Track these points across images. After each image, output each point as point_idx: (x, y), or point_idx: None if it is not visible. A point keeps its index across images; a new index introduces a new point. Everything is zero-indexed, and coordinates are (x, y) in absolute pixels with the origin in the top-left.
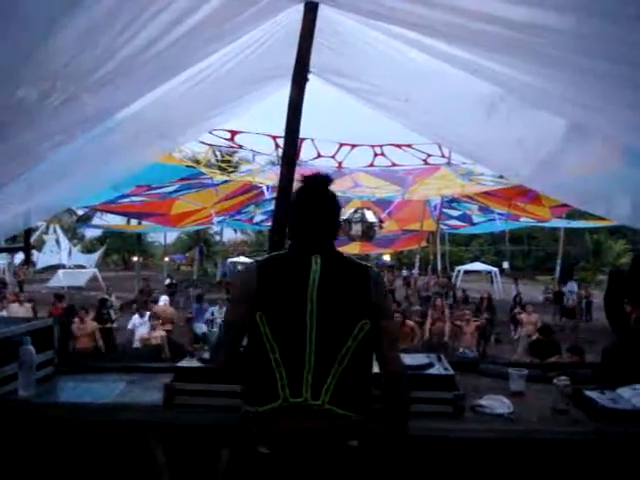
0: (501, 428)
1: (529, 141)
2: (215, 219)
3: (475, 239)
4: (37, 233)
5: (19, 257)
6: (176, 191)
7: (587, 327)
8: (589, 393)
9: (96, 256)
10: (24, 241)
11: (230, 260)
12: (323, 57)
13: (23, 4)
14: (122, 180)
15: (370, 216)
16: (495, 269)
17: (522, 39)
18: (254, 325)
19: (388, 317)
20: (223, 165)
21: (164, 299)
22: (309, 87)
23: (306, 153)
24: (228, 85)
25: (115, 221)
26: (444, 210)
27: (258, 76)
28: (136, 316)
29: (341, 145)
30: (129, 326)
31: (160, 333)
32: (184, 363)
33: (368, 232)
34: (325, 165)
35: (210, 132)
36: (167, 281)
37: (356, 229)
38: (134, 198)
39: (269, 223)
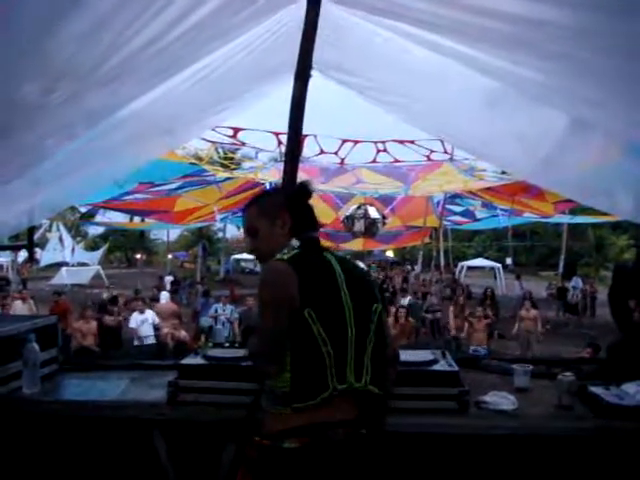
0: (506, 424)
1: (531, 136)
2: (218, 216)
3: (478, 235)
4: (40, 231)
5: (23, 255)
6: (179, 188)
7: (591, 323)
8: (594, 389)
9: (99, 254)
10: (27, 239)
11: (233, 257)
12: (325, 53)
13: (26, 2)
14: (125, 177)
15: (373, 212)
16: (498, 265)
17: (524, 34)
18: (303, 323)
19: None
20: (226, 162)
21: (165, 295)
22: (311, 83)
23: (309, 149)
24: (231, 82)
25: (118, 218)
26: (447, 206)
27: (261, 73)
28: (135, 313)
29: (344, 141)
30: (131, 324)
31: (169, 331)
32: (188, 360)
33: (371, 228)
34: (328, 161)
35: (213, 129)
36: (170, 278)
37: (359, 225)
38: (137, 195)
39: None
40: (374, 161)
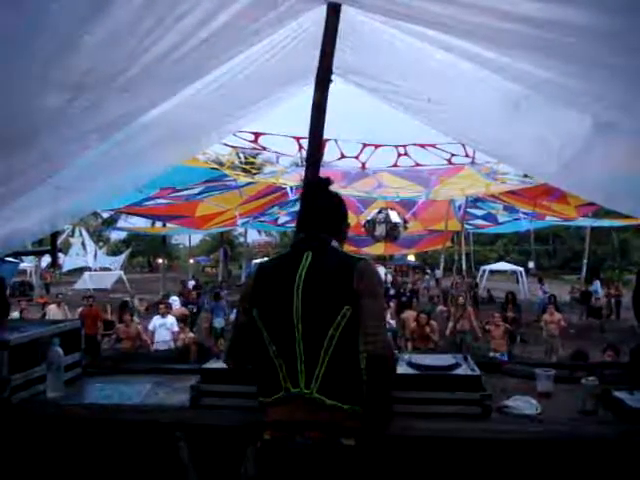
0: (529, 429)
1: (554, 139)
2: (239, 221)
3: (500, 238)
4: (63, 236)
5: (46, 260)
6: (200, 193)
7: (615, 327)
8: (618, 394)
9: (121, 258)
10: (51, 244)
11: (254, 261)
12: (346, 58)
13: (50, 11)
14: (147, 183)
15: (394, 216)
16: (521, 269)
17: (548, 37)
18: (253, 322)
19: (370, 297)
20: (247, 167)
21: (175, 300)
22: (332, 88)
23: (329, 154)
24: (252, 87)
25: (140, 223)
26: (468, 210)
27: (281, 78)
28: (157, 317)
29: (365, 145)
30: (149, 327)
31: (188, 335)
32: (211, 365)
33: (392, 232)
34: (349, 166)
35: (234, 134)
36: (192, 283)
37: (380, 229)
38: (159, 200)
39: (293, 224)
40: (395, 165)
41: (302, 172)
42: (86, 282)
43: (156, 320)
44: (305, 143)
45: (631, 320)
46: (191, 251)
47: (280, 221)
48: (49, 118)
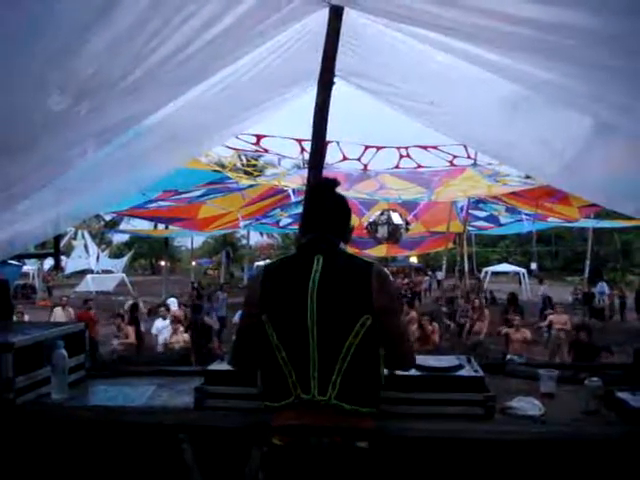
0: (532, 430)
1: (555, 140)
2: (241, 223)
3: (502, 240)
4: (65, 239)
5: (48, 262)
6: (202, 195)
7: (619, 328)
8: (621, 394)
9: (124, 261)
10: (54, 247)
11: (257, 264)
12: (348, 60)
13: (54, 14)
14: (149, 185)
15: (396, 218)
16: (523, 270)
17: (549, 39)
18: (262, 327)
19: (392, 313)
20: (249, 169)
21: (173, 302)
22: (334, 90)
23: (331, 156)
24: (255, 90)
25: (142, 226)
26: (471, 211)
27: (284, 80)
28: (159, 319)
29: (366, 147)
30: (152, 330)
31: (182, 337)
32: (214, 366)
33: (394, 234)
34: (351, 168)
35: (236, 136)
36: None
37: (382, 231)
38: (161, 203)
39: (295, 226)
40: (397, 167)
41: (304, 174)
42: (88, 285)
43: (159, 323)
44: (307, 145)
45: (634, 321)
46: (193, 253)
47: (282, 223)
48: (52, 121)
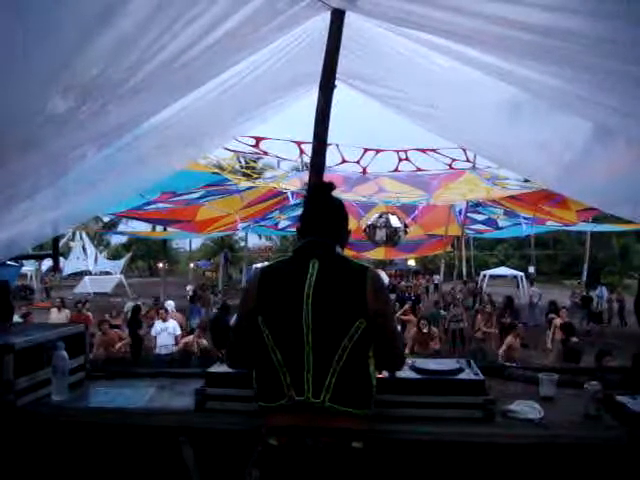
0: (532, 433)
1: (555, 144)
2: (240, 225)
3: (500, 243)
4: (63, 240)
5: (46, 264)
6: (201, 197)
7: (618, 332)
8: (620, 398)
9: (122, 263)
10: (52, 248)
11: (255, 266)
12: (349, 64)
13: (57, 16)
14: (148, 187)
15: (395, 221)
16: (521, 273)
17: (549, 43)
18: (257, 329)
19: (386, 317)
20: (247, 171)
21: (171, 304)
22: (335, 93)
23: (331, 159)
24: (255, 93)
25: (141, 228)
26: (469, 214)
27: (285, 83)
28: (158, 322)
29: (366, 150)
30: (152, 332)
31: (187, 339)
32: (215, 368)
33: (393, 237)
34: (350, 170)
35: (235, 139)
36: (191, 287)
37: (380, 234)
38: (159, 205)
39: (294, 228)
40: (396, 170)
41: (303, 177)
42: (86, 286)
43: (158, 325)
44: (306, 148)
45: (634, 325)
46: (192, 255)
47: (280, 225)
48: (53, 123)
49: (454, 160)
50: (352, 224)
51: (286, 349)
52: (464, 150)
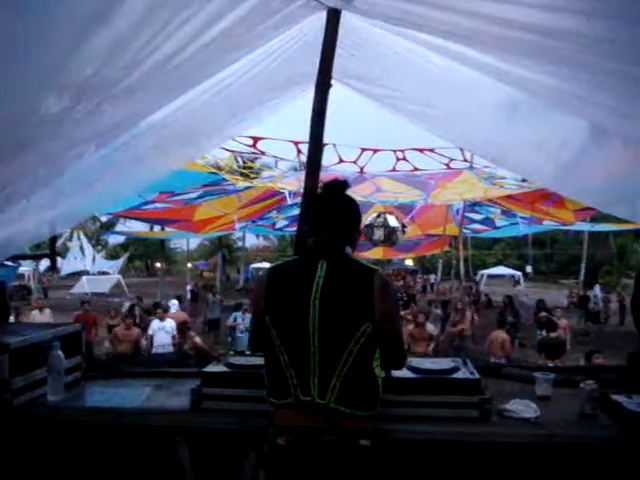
0: (528, 432)
1: (552, 144)
2: (237, 225)
3: (498, 243)
4: (61, 240)
5: (44, 264)
6: (199, 197)
7: (616, 331)
8: (616, 397)
9: (119, 262)
10: (49, 248)
11: (252, 266)
12: (345, 63)
13: (52, 16)
14: (146, 187)
15: (392, 221)
16: (519, 273)
17: (546, 43)
18: (265, 328)
19: (392, 320)
20: (245, 171)
21: (174, 304)
22: (330, 93)
23: (328, 158)
24: (252, 92)
25: (138, 228)
26: (466, 214)
27: (281, 83)
28: (156, 320)
29: (363, 150)
30: (149, 331)
31: (195, 339)
32: (211, 368)
33: (390, 237)
34: (347, 170)
35: (232, 138)
36: (189, 287)
37: (378, 234)
38: (157, 205)
39: (291, 229)
40: (393, 169)
41: (300, 176)
42: (84, 286)
43: (155, 324)
44: (304, 147)
45: (630, 324)
46: (189, 255)
47: (278, 225)
48: (50, 123)
49: (451, 160)
50: None
51: (292, 350)
52: (461, 150)
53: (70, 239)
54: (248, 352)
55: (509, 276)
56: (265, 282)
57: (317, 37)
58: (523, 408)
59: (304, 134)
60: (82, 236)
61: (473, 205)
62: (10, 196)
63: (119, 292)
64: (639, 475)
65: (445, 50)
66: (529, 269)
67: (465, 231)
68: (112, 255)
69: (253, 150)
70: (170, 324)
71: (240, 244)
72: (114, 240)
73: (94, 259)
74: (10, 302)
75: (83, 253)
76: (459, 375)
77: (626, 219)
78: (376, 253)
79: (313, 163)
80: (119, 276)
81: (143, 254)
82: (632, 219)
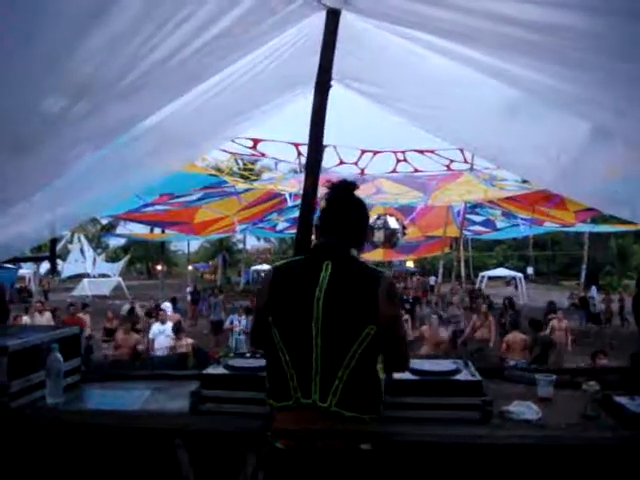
0: (529, 434)
1: (553, 145)
2: (238, 227)
3: (498, 244)
4: (62, 242)
5: (44, 266)
6: (199, 199)
7: (617, 332)
8: (619, 399)
9: (120, 265)
10: (50, 250)
11: (253, 268)
12: (345, 64)
13: (50, 15)
14: (146, 189)
15: (393, 222)
16: (519, 275)
17: (547, 42)
18: (267, 328)
19: (396, 324)
20: (245, 173)
21: (167, 306)
22: (330, 94)
23: (328, 160)
24: (251, 93)
25: (139, 230)
26: (467, 216)
27: (281, 84)
28: (157, 324)
29: (363, 152)
30: (149, 335)
31: (187, 341)
32: (210, 370)
33: (391, 238)
34: (347, 172)
35: (232, 140)
36: (189, 289)
37: (379, 236)
38: (158, 207)
39: (292, 230)
40: (394, 171)
41: (301, 178)
42: (85, 289)
43: (155, 327)
44: (304, 149)
45: (632, 325)
46: (190, 257)
47: (279, 227)
48: (49, 124)
49: (452, 161)
50: None
51: (294, 351)
52: (462, 151)
53: (71, 241)
54: (248, 354)
55: (510, 278)
56: (269, 281)
57: (316, 38)
58: (524, 410)
59: (304, 136)
60: (83, 238)
61: (474, 207)
62: (10, 198)
63: (120, 295)
64: None
65: (445, 50)
66: (530, 271)
67: (466, 233)
68: (113, 257)
69: (253, 152)
70: (171, 327)
71: (240, 246)
72: (115, 242)
73: (95, 261)
74: (9, 305)
75: (84, 255)
76: (460, 377)
77: (627, 220)
78: (376, 255)
79: (313, 164)
80: (119, 278)
81: (143, 256)
82: (633, 220)
